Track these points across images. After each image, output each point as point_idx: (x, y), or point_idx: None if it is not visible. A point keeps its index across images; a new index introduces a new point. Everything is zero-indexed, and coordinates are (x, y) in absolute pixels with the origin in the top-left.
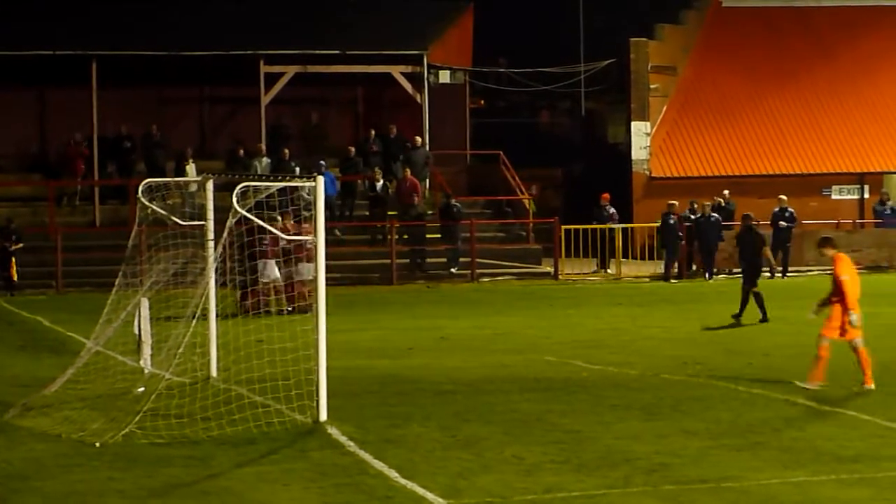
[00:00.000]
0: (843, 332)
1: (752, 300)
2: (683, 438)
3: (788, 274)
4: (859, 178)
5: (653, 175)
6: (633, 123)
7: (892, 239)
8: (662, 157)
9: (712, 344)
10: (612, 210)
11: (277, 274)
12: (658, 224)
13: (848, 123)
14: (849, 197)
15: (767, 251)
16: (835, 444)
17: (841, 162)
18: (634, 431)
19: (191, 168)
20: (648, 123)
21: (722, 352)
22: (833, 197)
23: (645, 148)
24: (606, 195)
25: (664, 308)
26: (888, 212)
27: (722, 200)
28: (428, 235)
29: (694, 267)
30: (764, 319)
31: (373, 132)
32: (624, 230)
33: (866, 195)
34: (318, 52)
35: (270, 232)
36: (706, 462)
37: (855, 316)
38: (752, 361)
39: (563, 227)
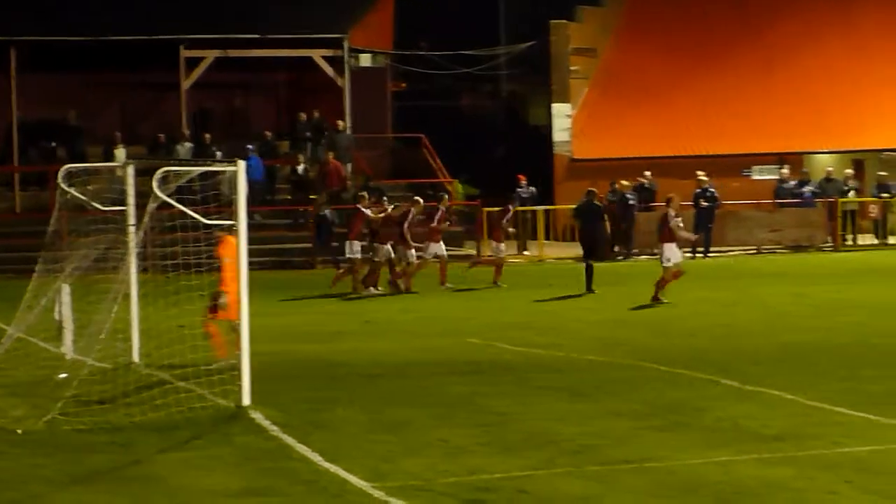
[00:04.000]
0: (216, 311)
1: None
2: (608, 419)
3: (710, 254)
4: (779, 159)
5: (574, 157)
6: (553, 105)
7: (812, 219)
8: (584, 139)
9: (637, 325)
10: (532, 189)
11: (358, 253)
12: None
13: (769, 104)
14: (769, 177)
15: (607, 226)
16: (758, 423)
17: (761, 142)
18: (560, 413)
19: (120, 152)
20: (569, 105)
21: (647, 333)
22: (754, 177)
23: (566, 130)
24: (522, 176)
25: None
26: (807, 194)
27: (645, 181)
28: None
29: (616, 248)
30: (589, 290)
31: (304, 116)
32: (546, 212)
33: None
34: (238, 36)
35: (192, 217)
36: (631, 443)
37: (224, 298)
38: (677, 342)
39: (485, 209)
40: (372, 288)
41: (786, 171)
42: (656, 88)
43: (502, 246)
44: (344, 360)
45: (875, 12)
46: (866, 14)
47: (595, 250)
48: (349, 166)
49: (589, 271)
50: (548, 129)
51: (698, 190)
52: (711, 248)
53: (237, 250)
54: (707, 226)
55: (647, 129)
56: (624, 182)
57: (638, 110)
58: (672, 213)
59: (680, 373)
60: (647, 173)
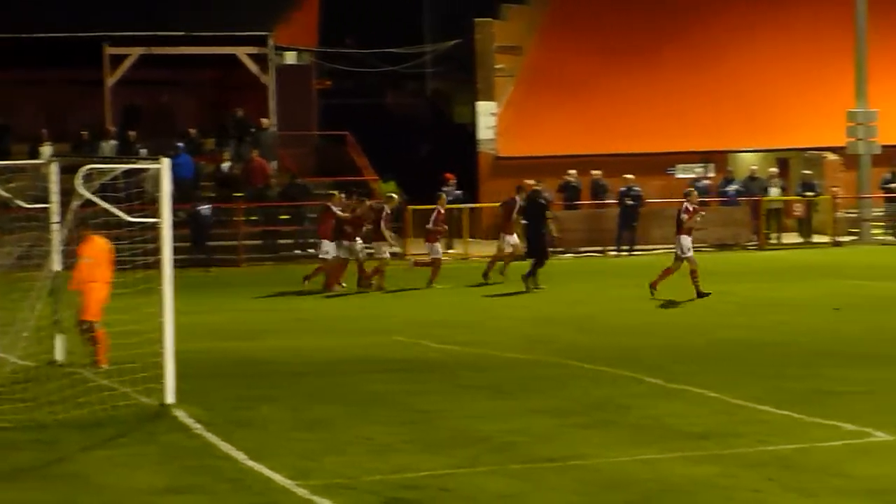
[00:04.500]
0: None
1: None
2: (533, 417)
3: (635, 252)
4: (705, 157)
5: (499, 155)
6: (479, 103)
7: (737, 217)
8: (509, 137)
9: (562, 323)
10: (458, 191)
11: (334, 252)
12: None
13: (694, 102)
14: (693, 175)
15: (551, 224)
16: (683, 421)
17: (686, 141)
18: (484, 411)
19: (46, 150)
20: (495, 103)
21: (571, 330)
22: (678, 176)
23: (491, 128)
24: (450, 175)
25: (516, 287)
26: (732, 192)
27: (572, 179)
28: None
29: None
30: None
31: (229, 113)
32: (470, 210)
33: (711, 174)
34: (162, 33)
35: (115, 214)
36: (555, 440)
37: (80, 298)
38: (602, 340)
39: (410, 207)
40: (337, 285)
41: (700, 170)
42: (582, 86)
43: (514, 238)
44: (268, 358)
45: (800, 12)
46: (791, 14)
47: (540, 248)
48: (274, 164)
49: (534, 268)
50: (473, 127)
51: (623, 188)
52: (636, 247)
53: (102, 251)
54: (631, 224)
55: (573, 127)
56: (528, 181)
57: (563, 108)
58: (689, 206)
59: (604, 370)
60: (573, 171)
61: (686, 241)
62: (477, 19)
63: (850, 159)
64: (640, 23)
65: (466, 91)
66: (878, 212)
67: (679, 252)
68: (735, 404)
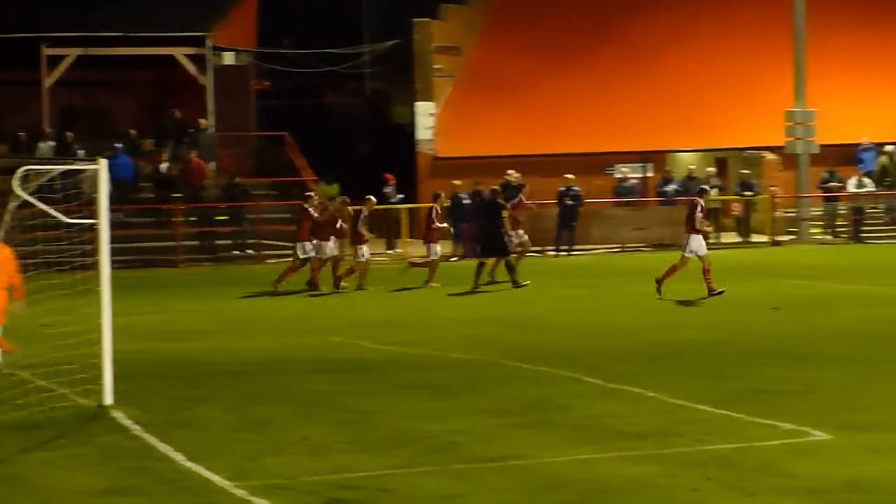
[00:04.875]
0: None
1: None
2: (472, 417)
3: (574, 252)
4: (643, 157)
5: (438, 155)
6: (417, 104)
7: (676, 217)
8: (448, 138)
9: (503, 323)
10: (400, 195)
11: (311, 252)
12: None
13: (633, 102)
14: (632, 175)
15: (507, 224)
16: (622, 420)
17: (625, 141)
18: (423, 411)
19: None
20: (433, 104)
21: (512, 330)
22: (616, 175)
23: (430, 128)
24: (390, 175)
25: (458, 288)
26: (670, 192)
27: (512, 180)
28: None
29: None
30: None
31: (167, 114)
32: (409, 210)
33: (650, 174)
34: (100, 34)
35: (53, 215)
36: (495, 440)
37: None
38: (542, 339)
39: (350, 208)
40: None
41: (626, 169)
42: (520, 87)
43: (520, 232)
44: (206, 359)
45: (738, 12)
46: (729, 14)
47: (500, 245)
48: (213, 164)
49: (480, 267)
50: (412, 127)
51: (563, 188)
52: (575, 247)
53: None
54: (570, 224)
55: (512, 127)
56: (457, 182)
57: (502, 108)
58: (702, 203)
59: (543, 370)
60: (512, 171)
61: (694, 241)
62: (415, 19)
63: (788, 159)
64: (579, 23)
65: (405, 91)
66: (816, 211)
67: (686, 250)
68: (674, 404)
